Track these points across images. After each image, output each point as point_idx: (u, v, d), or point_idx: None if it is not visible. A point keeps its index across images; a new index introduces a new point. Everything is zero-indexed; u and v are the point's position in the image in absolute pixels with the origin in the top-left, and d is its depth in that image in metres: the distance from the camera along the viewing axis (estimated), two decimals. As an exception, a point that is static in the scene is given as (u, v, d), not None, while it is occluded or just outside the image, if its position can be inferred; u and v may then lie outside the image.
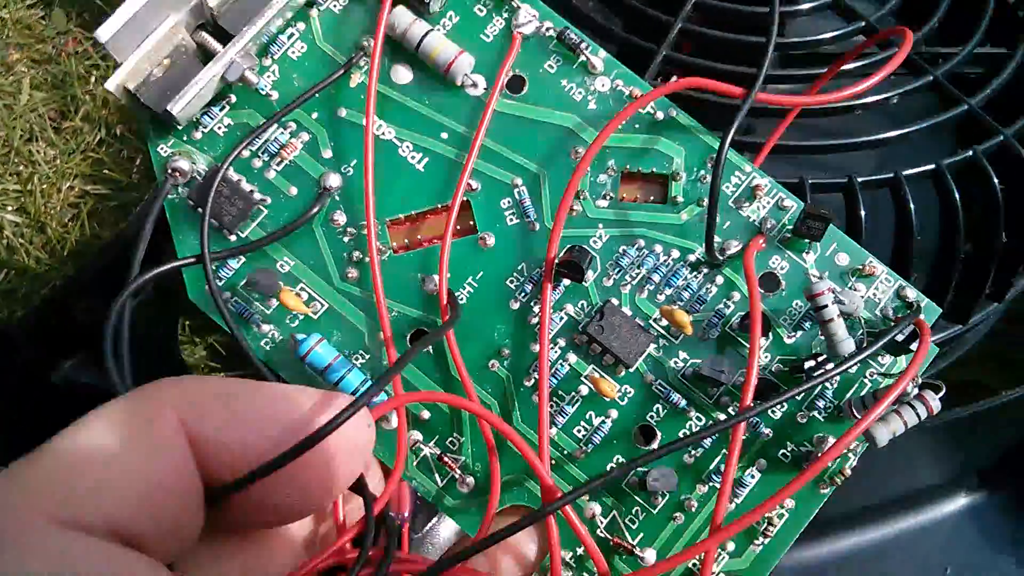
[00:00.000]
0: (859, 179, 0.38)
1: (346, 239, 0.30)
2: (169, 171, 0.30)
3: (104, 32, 0.28)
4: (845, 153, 0.42)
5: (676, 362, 0.29)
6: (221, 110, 0.31)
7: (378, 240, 0.30)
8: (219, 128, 0.31)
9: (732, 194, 0.30)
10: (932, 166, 0.39)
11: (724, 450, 0.28)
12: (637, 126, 0.30)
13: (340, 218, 0.30)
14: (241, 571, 0.22)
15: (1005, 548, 0.54)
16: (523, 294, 0.30)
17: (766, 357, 0.29)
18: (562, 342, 0.29)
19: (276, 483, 0.20)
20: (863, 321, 0.28)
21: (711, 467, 0.28)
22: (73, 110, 0.88)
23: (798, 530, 0.28)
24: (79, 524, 0.17)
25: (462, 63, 0.30)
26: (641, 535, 0.28)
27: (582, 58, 0.30)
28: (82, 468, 0.18)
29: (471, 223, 0.30)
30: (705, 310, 0.29)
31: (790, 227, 0.29)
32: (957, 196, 0.39)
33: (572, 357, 0.29)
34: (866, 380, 0.28)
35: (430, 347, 0.29)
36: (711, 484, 0.28)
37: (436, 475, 0.29)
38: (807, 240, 0.29)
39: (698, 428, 0.29)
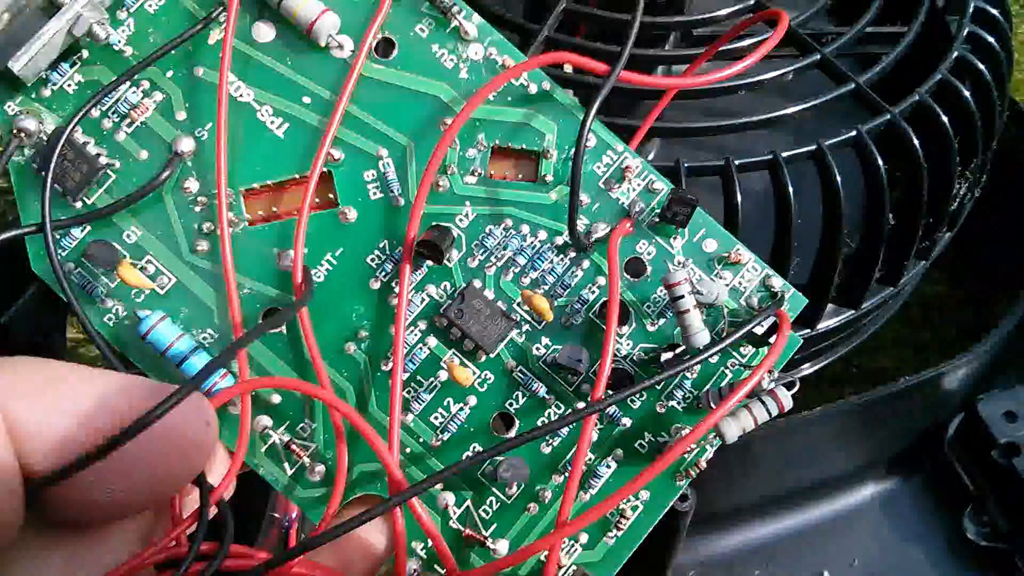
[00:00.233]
0: (736, 161, 0.37)
1: (197, 209, 0.28)
2: (14, 131, 0.28)
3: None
4: (747, 133, 0.41)
5: (539, 348, 0.28)
6: (72, 67, 0.29)
7: (231, 211, 0.28)
8: (68, 86, 0.29)
9: (602, 175, 0.29)
10: (813, 147, 0.38)
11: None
12: (510, 99, 0.29)
13: (192, 185, 0.28)
14: (64, 565, 0.21)
15: (912, 537, 0.55)
16: (384, 273, 0.28)
17: (628, 345, 0.28)
18: (422, 325, 0.28)
19: (100, 477, 0.19)
20: (726, 311, 0.28)
21: (568, 457, 0.28)
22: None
23: (652, 522, 0.28)
24: None
25: (325, 22, 0.28)
26: (495, 526, 0.28)
27: (454, 23, 0.29)
28: None
29: (331, 196, 0.29)
30: (569, 295, 0.28)
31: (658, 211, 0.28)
32: (839, 177, 0.39)
33: (432, 341, 0.28)
34: (727, 371, 0.28)
35: (283, 328, 0.28)
36: (567, 475, 0.28)
37: (286, 463, 0.28)
38: (674, 226, 0.28)
39: (557, 417, 0.28)
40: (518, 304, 0.28)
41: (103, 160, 0.28)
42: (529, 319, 0.28)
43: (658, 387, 0.28)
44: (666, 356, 0.27)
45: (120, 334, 0.28)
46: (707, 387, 0.28)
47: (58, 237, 0.28)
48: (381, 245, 0.28)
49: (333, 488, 0.26)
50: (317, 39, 0.28)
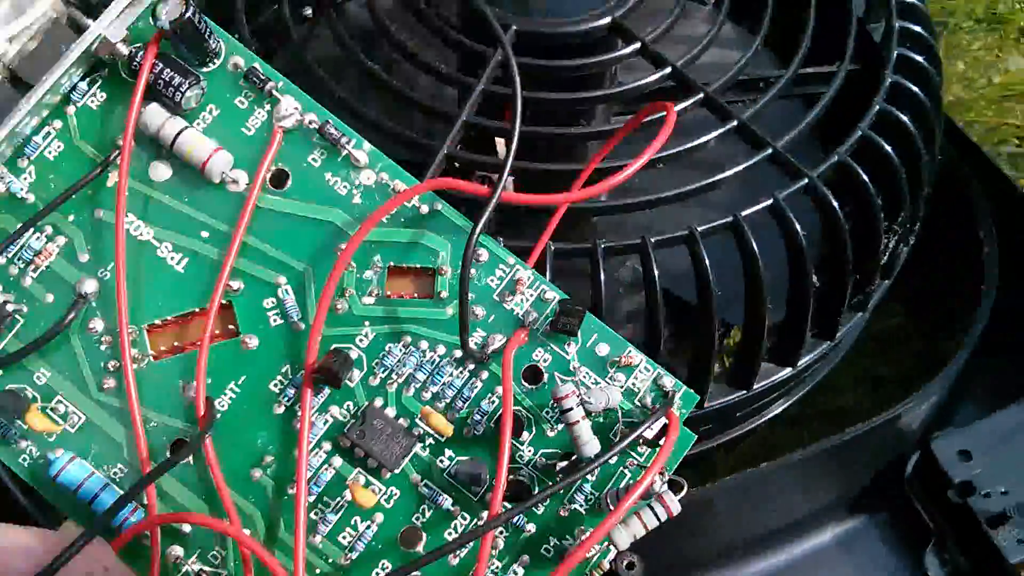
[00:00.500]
0: (652, 239, 0.38)
1: (103, 347, 0.29)
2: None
3: None
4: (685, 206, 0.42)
5: (443, 461, 0.29)
6: (-24, 217, 0.30)
7: (135, 347, 0.29)
8: (-27, 236, 0.30)
9: (496, 287, 0.30)
10: (730, 218, 0.39)
11: (490, 550, 0.28)
12: (403, 220, 0.30)
13: (97, 325, 0.29)
14: None
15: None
16: (287, 398, 0.29)
17: (529, 452, 0.29)
18: (327, 446, 0.29)
19: None
20: (621, 414, 0.28)
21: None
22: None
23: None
24: None
25: (218, 161, 0.29)
26: (406, 642, 0.28)
27: (345, 152, 0.30)
28: None
29: (232, 326, 0.30)
30: (470, 407, 0.29)
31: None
32: (755, 247, 0.39)
33: (337, 461, 0.29)
34: (626, 470, 0.29)
35: (190, 458, 0.29)
36: (475, 586, 0.28)
37: (198, 592, 0.28)
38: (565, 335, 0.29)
39: (463, 527, 0.28)
40: (420, 419, 0.29)
41: (10, 307, 0.29)
42: (432, 432, 0.29)
43: (562, 492, 0.29)
44: (561, 465, 0.28)
45: (37, 473, 0.29)
46: (606, 488, 0.28)
47: (-30, 384, 0.29)
48: (284, 370, 0.29)
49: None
50: (211, 178, 0.29)
